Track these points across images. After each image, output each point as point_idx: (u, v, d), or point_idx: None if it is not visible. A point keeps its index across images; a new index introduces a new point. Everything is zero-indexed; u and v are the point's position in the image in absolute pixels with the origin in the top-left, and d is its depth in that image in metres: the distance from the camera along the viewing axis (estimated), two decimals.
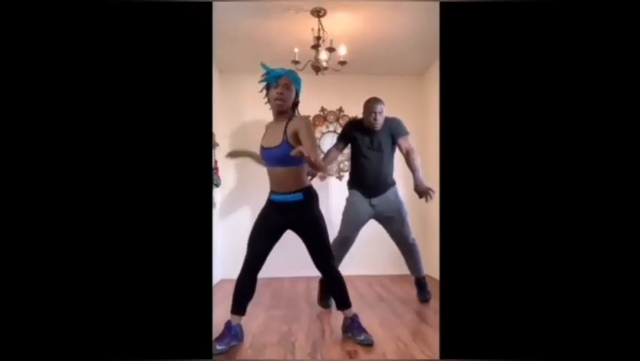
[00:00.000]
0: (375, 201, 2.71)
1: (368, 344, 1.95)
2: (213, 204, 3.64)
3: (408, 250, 2.77)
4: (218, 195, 3.90)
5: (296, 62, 2.98)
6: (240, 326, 2.00)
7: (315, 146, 1.86)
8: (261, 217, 2.06)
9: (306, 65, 2.99)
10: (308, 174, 2.15)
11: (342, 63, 2.98)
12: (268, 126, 2.09)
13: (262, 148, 2.01)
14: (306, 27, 2.99)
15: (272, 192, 2.04)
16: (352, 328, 2.03)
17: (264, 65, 1.98)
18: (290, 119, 1.96)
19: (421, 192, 2.58)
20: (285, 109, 1.97)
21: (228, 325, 1.95)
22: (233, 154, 2.36)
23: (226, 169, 3.91)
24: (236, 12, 2.85)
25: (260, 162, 2.19)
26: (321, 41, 2.90)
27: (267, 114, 2.19)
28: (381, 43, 3.41)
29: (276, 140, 1.92)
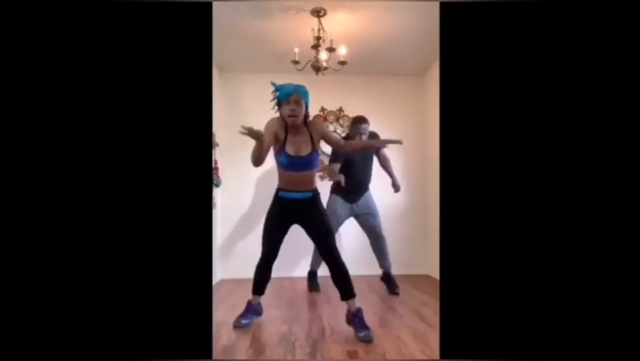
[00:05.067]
0: (355, 205, 3.17)
1: (367, 341, 1.98)
2: (213, 204, 3.64)
3: (380, 243, 3.18)
4: (218, 195, 3.90)
5: (296, 62, 2.98)
6: (259, 304, 2.39)
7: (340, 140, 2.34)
8: (273, 214, 2.26)
9: (306, 65, 2.99)
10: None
11: (342, 63, 2.98)
12: (288, 137, 2.12)
13: (288, 156, 2.12)
14: (306, 27, 2.99)
15: (282, 190, 2.23)
16: (354, 322, 2.10)
17: (273, 83, 2.13)
18: (311, 129, 2.17)
19: (397, 187, 3.28)
20: (299, 123, 2.13)
21: (249, 303, 2.35)
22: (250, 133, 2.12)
23: (226, 169, 3.91)
24: (236, 12, 2.85)
25: (258, 149, 2.02)
26: (321, 41, 2.90)
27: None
28: (381, 43, 3.41)
29: (305, 150, 2.14)
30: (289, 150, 2.13)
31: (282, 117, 2.14)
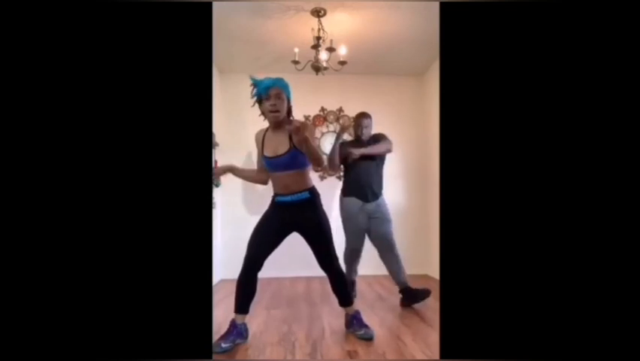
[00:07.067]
0: (368, 205, 2.82)
1: (368, 338, 2.01)
2: (213, 204, 3.64)
3: (391, 252, 2.82)
4: (218, 195, 3.90)
5: (296, 62, 2.98)
6: (244, 325, 2.04)
7: (315, 146, 1.93)
8: (265, 219, 2.10)
9: (306, 65, 2.99)
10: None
11: (342, 63, 2.98)
12: (266, 137, 2.06)
13: (266, 158, 2.02)
14: (306, 27, 2.99)
15: (277, 195, 2.08)
16: (353, 324, 2.12)
17: (251, 78, 2.00)
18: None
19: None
20: (282, 119, 1.99)
21: (233, 323, 1.99)
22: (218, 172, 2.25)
23: None
24: (237, 12, 2.86)
25: (242, 177, 2.20)
26: (321, 41, 2.90)
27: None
28: (381, 43, 3.41)
29: (282, 148, 1.97)
30: (267, 150, 2.02)
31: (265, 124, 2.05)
